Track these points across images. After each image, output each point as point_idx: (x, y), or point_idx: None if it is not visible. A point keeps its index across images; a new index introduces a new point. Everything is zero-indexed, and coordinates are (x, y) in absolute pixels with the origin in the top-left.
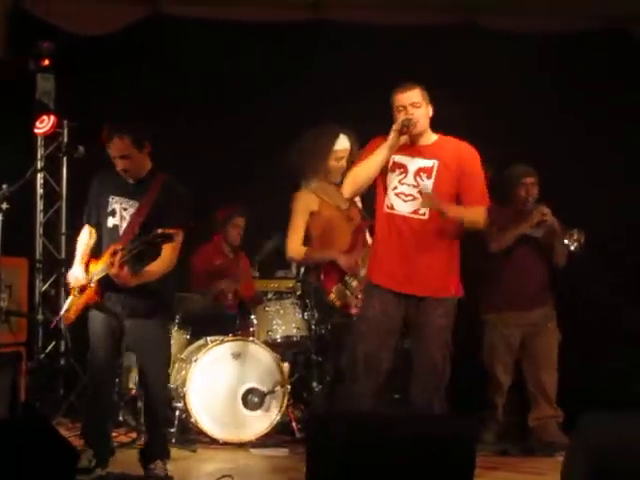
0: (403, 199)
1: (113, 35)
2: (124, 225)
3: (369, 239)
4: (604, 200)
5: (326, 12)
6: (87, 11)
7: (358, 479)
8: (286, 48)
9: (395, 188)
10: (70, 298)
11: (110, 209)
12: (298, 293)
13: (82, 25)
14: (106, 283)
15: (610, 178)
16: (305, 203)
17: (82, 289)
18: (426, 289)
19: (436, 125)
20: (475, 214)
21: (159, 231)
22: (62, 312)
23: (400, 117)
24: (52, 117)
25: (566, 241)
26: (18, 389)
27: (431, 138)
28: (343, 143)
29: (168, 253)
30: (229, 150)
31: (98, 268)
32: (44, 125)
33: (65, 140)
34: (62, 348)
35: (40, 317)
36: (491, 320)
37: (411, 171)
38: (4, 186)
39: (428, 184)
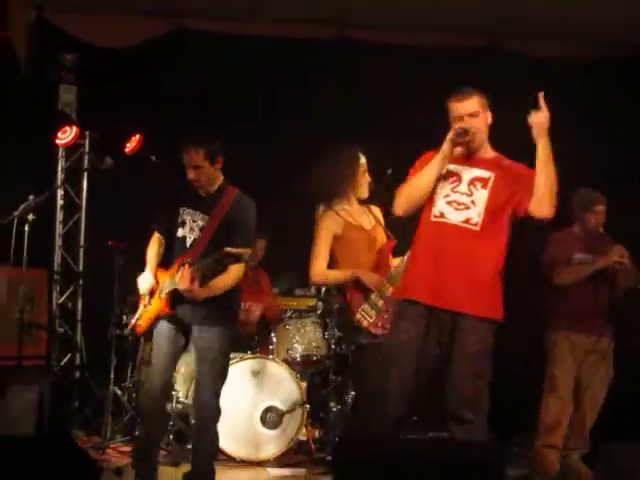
0: (455, 207)
1: (135, 48)
2: (192, 237)
3: (393, 260)
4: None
5: (348, 31)
6: (110, 24)
7: None
8: (307, 65)
9: (447, 196)
10: (140, 307)
11: (180, 220)
12: (319, 312)
13: (104, 38)
14: (176, 295)
15: None
16: (329, 226)
17: (151, 296)
18: (467, 304)
19: None
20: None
21: (230, 250)
22: (134, 321)
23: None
24: (74, 128)
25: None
26: (45, 405)
27: (490, 153)
28: (362, 158)
29: (235, 268)
30: (251, 166)
31: (167, 280)
32: (66, 136)
33: (87, 151)
34: (77, 361)
35: (61, 330)
36: (554, 338)
37: (465, 180)
38: (30, 197)
39: (483, 194)
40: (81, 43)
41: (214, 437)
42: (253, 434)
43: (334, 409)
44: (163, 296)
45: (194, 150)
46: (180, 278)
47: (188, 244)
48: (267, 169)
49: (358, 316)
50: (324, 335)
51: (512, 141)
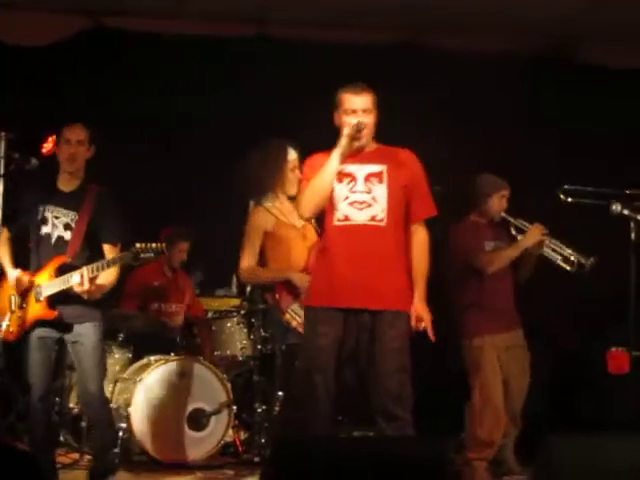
0: (358, 207)
1: (51, 47)
2: (56, 234)
3: None
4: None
5: (267, 27)
6: (24, 22)
7: None
8: (232, 64)
9: (347, 198)
10: (9, 314)
11: (41, 217)
12: (243, 312)
13: (19, 36)
14: (55, 296)
15: None
16: (259, 222)
17: (22, 301)
18: (384, 301)
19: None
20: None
21: (143, 245)
22: (4, 327)
23: (349, 121)
24: None
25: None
26: None
27: (373, 146)
28: (292, 154)
29: (115, 269)
30: (173, 169)
31: (45, 282)
32: None
33: (2, 152)
34: None
35: None
36: (485, 342)
37: (360, 177)
38: None
39: (381, 188)
40: None
41: (111, 429)
42: (179, 436)
43: (259, 410)
44: (42, 299)
45: (80, 126)
46: (80, 280)
47: (53, 241)
48: (187, 169)
49: (287, 316)
50: (249, 335)
51: None
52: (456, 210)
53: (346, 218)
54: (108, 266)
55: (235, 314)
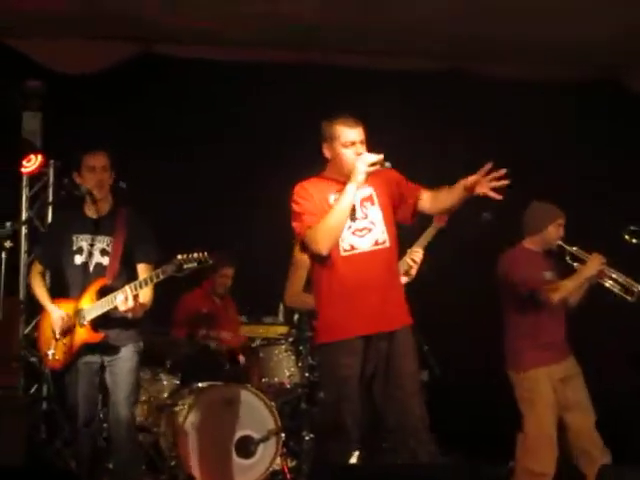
0: (359, 235)
1: (101, 74)
2: (93, 261)
3: None
4: None
5: (313, 55)
6: (74, 49)
7: None
8: (274, 88)
9: (349, 227)
10: (53, 343)
11: (76, 247)
12: (291, 340)
13: (69, 63)
14: (98, 320)
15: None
16: None
17: (67, 331)
18: (398, 320)
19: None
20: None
21: (185, 256)
22: (50, 357)
23: (351, 153)
24: (39, 156)
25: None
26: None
27: None
28: None
29: (151, 286)
30: (222, 193)
31: (87, 306)
32: (30, 164)
33: (51, 179)
34: (45, 392)
35: (34, 359)
36: (540, 374)
37: (357, 205)
38: (7, 224)
39: (375, 210)
40: (45, 69)
41: (135, 454)
42: (227, 463)
43: (307, 438)
44: (86, 323)
45: (103, 153)
46: (123, 299)
47: (91, 269)
48: (236, 194)
49: None
50: (297, 363)
51: None
52: (505, 237)
53: (352, 247)
54: (152, 281)
55: (283, 341)
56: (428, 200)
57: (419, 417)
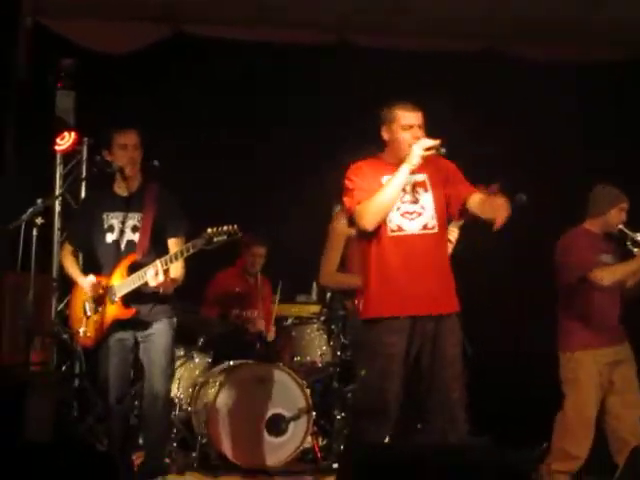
0: (409, 218)
1: (134, 54)
2: (125, 239)
3: None
4: None
5: (348, 36)
6: (108, 30)
7: None
8: (311, 71)
9: (398, 209)
10: (84, 320)
11: (107, 226)
12: (323, 319)
13: (103, 43)
14: (129, 296)
15: None
16: (343, 227)
17: (98, 305)
18: (445, 305)
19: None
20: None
21: (215, 229)
22: (82, 334)
23: (409, 136)
24: (72, 134)
25: None
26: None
27: None
28: None
29: (182, 261)
30: (255, 172)
31: (118, 282)
32: (64, 142)
33: (84, 157)
34: (77, 369)
35: (66, 336)
36: (587, 356)
37: (408, 188)
38: (38, 200)
39: (427, 196)
40: (79, 49)
41: (168, 431)
42: (258, 441)
43: (338, 417)
44: (117, 299)
45: (133, 131)
46: (154, 274)
47: (123, 247)
48: (268, 174)
49: None
50: (329, 342)
51: None
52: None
53: (399, 229)
54: (182, 255)
55: (315, 320)
56: (477, 206)
57: (458, 400)
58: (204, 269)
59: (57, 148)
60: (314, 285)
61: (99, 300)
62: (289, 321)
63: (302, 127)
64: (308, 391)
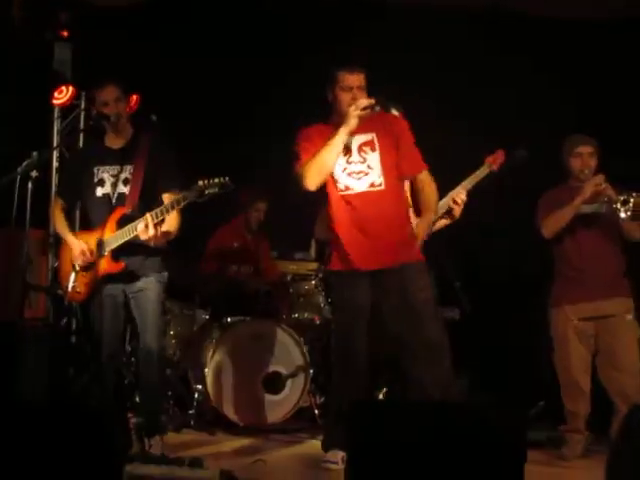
0: (356, 177)
1: (133, 7)
2: (116, 192)
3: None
4: None
5: None
6: None
7: (402, 468)
8: (318, 24)
9: (345, 169)
10: (73, 275)
11: (97, 180)
12: (321, 276)
13: None
14: (119, 250)
15: None
16: None
17: (89, 267)
18: (403, 255)
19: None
20: (434, 201)
21: (206, 182)
22: (70, 289)
23: (346, 98)
24: (70, 88)
25: (619, 207)
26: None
27: None
28: None
29: (177, 214)
30: (254, 129)
31: (108, 237)
32: (62, 96)
33: (82, 110)
34: (73, 326)
35: (60, 292)
36: (561, 313)
37: (354, 148)
38: (34, 153)
39: (374, 156)
40: (77, 1)
41: (164, 388)
42: (255, 399)
43: None
44: (105, 253)
45: (112, 85)
46: (144, 228)
47: (114, 200)
48: (268, 130)
49: None
50: (327, 299)
51: None
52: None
53: (347, 188)
54: (172, 208)
55: (313, 277)
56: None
57: (437, 345)
58: (208, 225)
59: (55, 102)
60: (312, 242)
61: (88, 267)
62: (287, 278)
63: (302, 88)
64: (306, 348)
